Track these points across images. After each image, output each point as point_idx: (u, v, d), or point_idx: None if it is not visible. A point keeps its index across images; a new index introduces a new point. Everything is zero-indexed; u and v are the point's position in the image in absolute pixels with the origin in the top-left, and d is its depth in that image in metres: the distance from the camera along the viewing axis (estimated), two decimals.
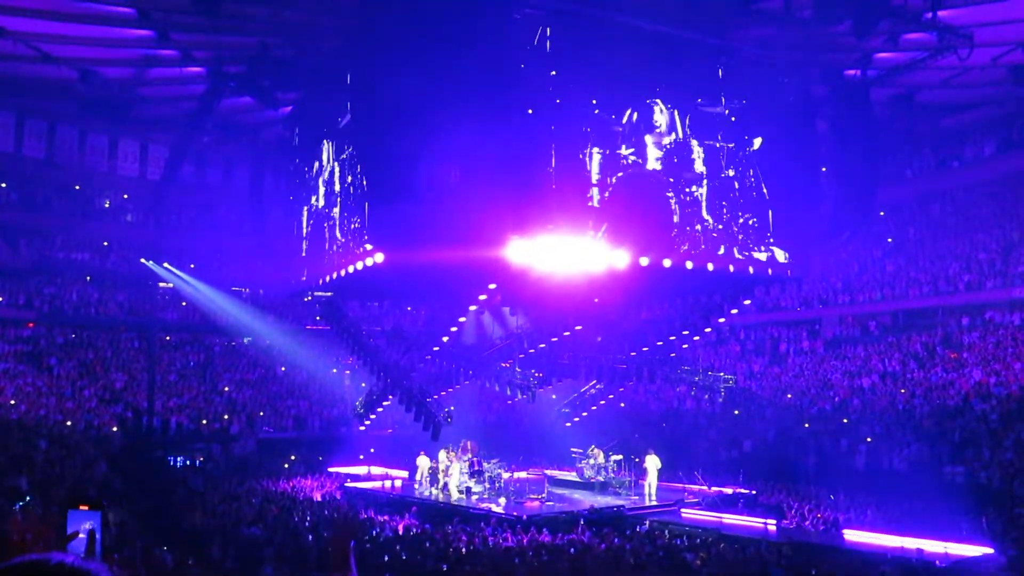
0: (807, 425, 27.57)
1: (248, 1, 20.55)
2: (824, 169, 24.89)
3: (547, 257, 19.70)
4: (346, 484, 26.39)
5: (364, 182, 21.33)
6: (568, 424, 29.40)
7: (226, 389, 34.07)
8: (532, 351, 25.84)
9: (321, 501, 23.22)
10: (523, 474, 27.09)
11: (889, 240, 34.60)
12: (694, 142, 21.67)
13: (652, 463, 23.45)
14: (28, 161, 32.86)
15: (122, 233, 37.32)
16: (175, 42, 22.66)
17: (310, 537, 17.56)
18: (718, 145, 21.91)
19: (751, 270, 22.26)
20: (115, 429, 28.49)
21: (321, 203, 24.39)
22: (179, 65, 24.05)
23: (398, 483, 26.34)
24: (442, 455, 23.97)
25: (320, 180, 24.47)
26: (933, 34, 20.94)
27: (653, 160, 21.15)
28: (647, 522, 20.71)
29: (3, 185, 35.26)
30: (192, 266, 34.93)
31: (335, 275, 23.02)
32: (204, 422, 31.19)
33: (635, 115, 20.83)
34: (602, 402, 29.35)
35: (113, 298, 34.81)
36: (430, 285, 24.70)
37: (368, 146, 21.14)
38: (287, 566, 15.00)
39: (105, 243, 37.31)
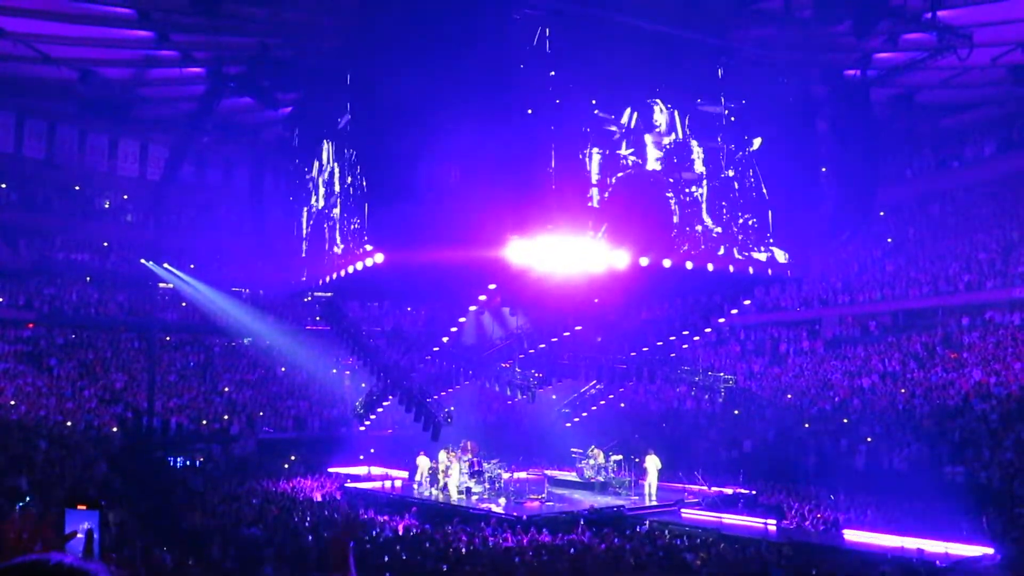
0: (807, 425, 27.57)
1: (248, 1, 20.55)
2: (824, 169, 24.90)
3: (547, 257, 19.70)
4: (346, 484, 26.38)
5: (364, 182, 21.34)
6: (568, 424, 29.41)
7: (226, 389, 34.06)
8: (532, 351, 25.85)
9: (321, 501, 23.22)
10: (523, 474, 27.08)
11: (889, 240, 34.59)
12: (694, 142, 21.68)
13: (652, 463, 23.46)
14: (28, 161, 32.87)
15: (122, 233, 37.32)
16: (175, 43, 22.66)
17: (310, 537, 17.56)
18: (719, 144, 21.92)
19: (751, 270, 22.26)
20: (115, 429, 28.48)
21: (321, 203, 24.39)
22: (179, 65, 24.05)
23: (398, 483, 26.34)
24: (442, 455, 23.97)
25: (320, 180, 24.47)
26: (933, 34, 20.93)
27: (653, 160, 21.15)
28: (647, 522, 20.71)
29: (3, 185, 35.27)
30: (192, 266, 34.92)
31: (335, 275, 23.02)
32: (204, 422, 31.19)
33: (635, 115, 20.83)
34: (602, 402, 29.35)
35: (113, 298, 34.81)
36: (430, 285, 24.69)
37: (368, 146, 21.15)
38: (287, 566, 15.00)
39: (105, 243, 37.31)
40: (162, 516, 20.69)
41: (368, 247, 20.80)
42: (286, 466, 28.97)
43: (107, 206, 38.31)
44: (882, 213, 33.83)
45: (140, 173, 35.23)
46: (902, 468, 23.50)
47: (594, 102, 20.33)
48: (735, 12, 21.27)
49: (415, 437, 25.66)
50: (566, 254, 19.83)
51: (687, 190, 21.54)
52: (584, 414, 29.30)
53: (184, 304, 34.86)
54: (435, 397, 26.06)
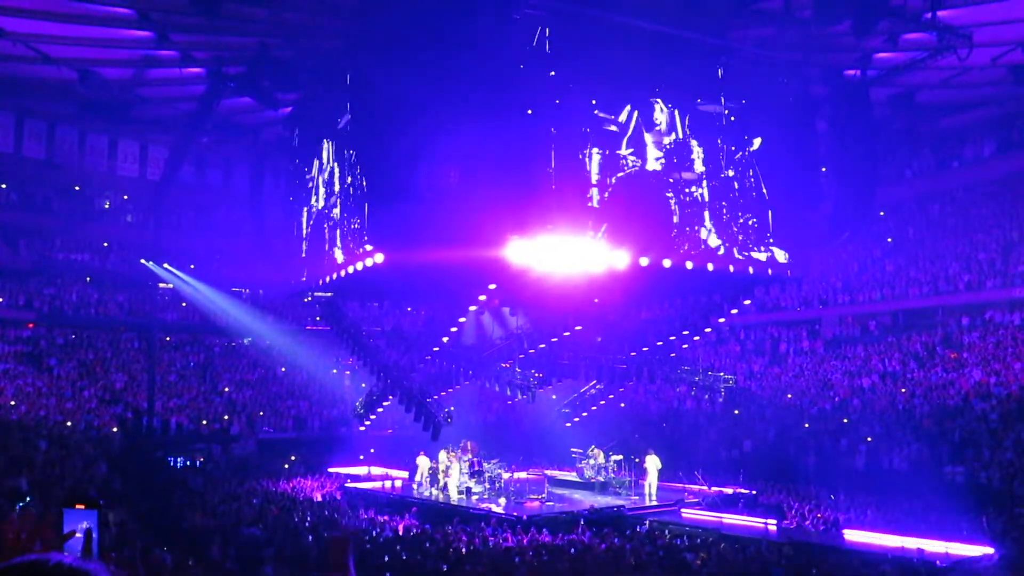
0: (807, 425, 27.56)
1: (248, 1, 20.53)
2: (824, 169, 24.88)
3: (547, 257, 19.69)
4: (346, 484, 26.39)
5: (364, 182, 21.33)
6: (568, 424, 29.41)
7: (226, 389, 34.07)
8: (532, 351, 25.86)
9: (321, 501, 23.22)
10: (523, 474, 27.08)
11: (889, 240, 34.58)
12: (694, 142, 21.67)
13: (652, 463, 23.46)
14: (28, 161, 32.84)
15: (122, 234, 37.32)
16: (175, 43, 22.65)
17: (310, 537, 17.56)
18: (719, 143, 21.91)
19: (751, 270, 22.26)
20: (115, 429, 28.49)
21: (321, 204, 24.38)
22: (179, 66, 24.04)
23: (398, 483, 26.34)
24: (442, 455, 23.97)
25: (320, 180, 24.46)
26: (933, 34, 20.92)
27: (653, 160, 21.15)
28: (647, 522, 20.71)
29: (3, 185, 35.27)
30: (192, 267, 34.93)
31: (335, 275, 23.02)
32: (204, 422, 31.19)
33: (635, 114, 20.83)
34: (602, 402, 29.35)
35: (113, 298, 34.82)
36: (430, 285, 24.70)
37: (368, 146, 21.14)
38: (287, 566, 15.00)
39: (105, 244, 37.32)
40: (162, 516, 20.69)
41: (368, 247, 20.81)
42: (286, 466, 28.97)
43: (107, 206, 38.32)
44: (882, 213, 33.83)
45: (140, 173, 35.20)
46: (902, 468, 23.51)
47: (594, 102, 20.33)
48: (735, 12, 21.27)
49: (415, 437, 25.67)
50: (566, 254, 19.83)
51: (687, 190, 21.54)
52: (584, 414, 29.30)
53: (184, 304, 34.87)
54: (435, 397, 26.06)
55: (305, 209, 25.62)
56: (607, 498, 23.40)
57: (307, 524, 19.13)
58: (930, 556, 15.88)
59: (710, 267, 21.50)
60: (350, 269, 21.82)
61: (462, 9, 18.57)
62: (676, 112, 21.42)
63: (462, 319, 24.95)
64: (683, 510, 22.03)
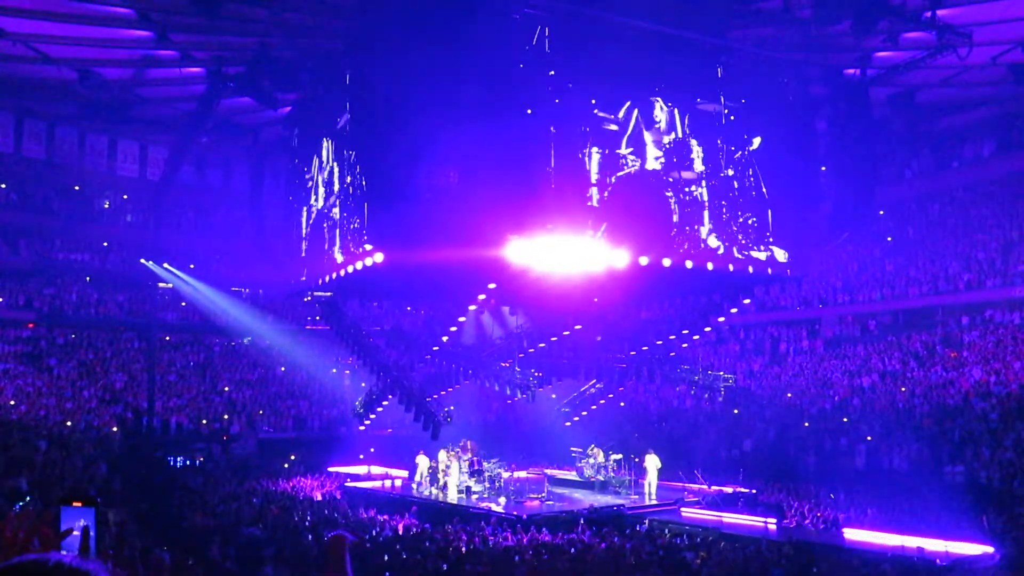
0: (807, 424, 27.57)
1: (248, 1, 20.54)
2: (824, 168, 24.89)
3: (546, 257, 19.70)
4: (346, 484, 26.40)
5: (363, 182, 21.34)
6: (568, 423, 29.42)
7: (226, 389, 34.08)
8: (532, 351, 25.88)
9: (321, 501, 23.23)
10: (523, 473, 27.07)
11: (889, 240, 34.58)
12: (693, 141, 21.68)
13: (652, 462, 23.47)
14: (28, 161, 32.85)
15: (122, 234, 37.32)
16: (174, 43, 22.65)
17: (310, 537, 17.56)
18: (718, 143, 21.92)
19: (751, 269, 22.27)
20: (115, 429, 28.50)
21: (320, 203, 24.39)
22: (178, 66, 24.05)
23: (398, 483, 26.34)
24: (442, 455, 23.98)
25: (319, 180, 24.47)
26: (932, 33, 20.93)
27: (653, 160, 21.15)
28: (647, 521, 20.72)
29: (3, 185, 35.27)
30: (192, 266, 34.94)
31: (335, 275, 23.03)
32: (204, 422, 31.21)
33: (635, 113, 20.84)
34: (602, 401, 29.36)
35: (113, 298, 34.83)
36: (430, 285, 24.71)
37: (367, 146, 21.15)
38: (287, 566, 14.99)
39: (105, 244, 37.32)
40: (162, 516, 20.68)
41: (368, 247, 20.81)
42: (286, 466, 28.99)
43: (107, 206, 38.32)
44: (882, 213, 33.82)
45: (140, 173, 35.20)
46: (902, 467, 23.52)
47: (593, 101, 20.34)
48: (735, 12, 21.28)
49: (415, 436, 25.68)
50: (566, 254, 19.84)
51: (687, 189, 21.54)
52: (584, 413, 29.30)
53: (184, 304, 34.88)
54: (435, 396, 26.08)
55: (305, 209, 25.63)
56: (607, 497, 23.40)
57: (307, 524, 19.12)
58: (930, 555, 15.89)
59: (710, 266, 21.50)
60: (350, 269, 21.82)
61: (462, 9, 18.57)
62: (676, 111, 21.43)
63: (462, 319, 24.97)
64: (683, 509, 22.03)
